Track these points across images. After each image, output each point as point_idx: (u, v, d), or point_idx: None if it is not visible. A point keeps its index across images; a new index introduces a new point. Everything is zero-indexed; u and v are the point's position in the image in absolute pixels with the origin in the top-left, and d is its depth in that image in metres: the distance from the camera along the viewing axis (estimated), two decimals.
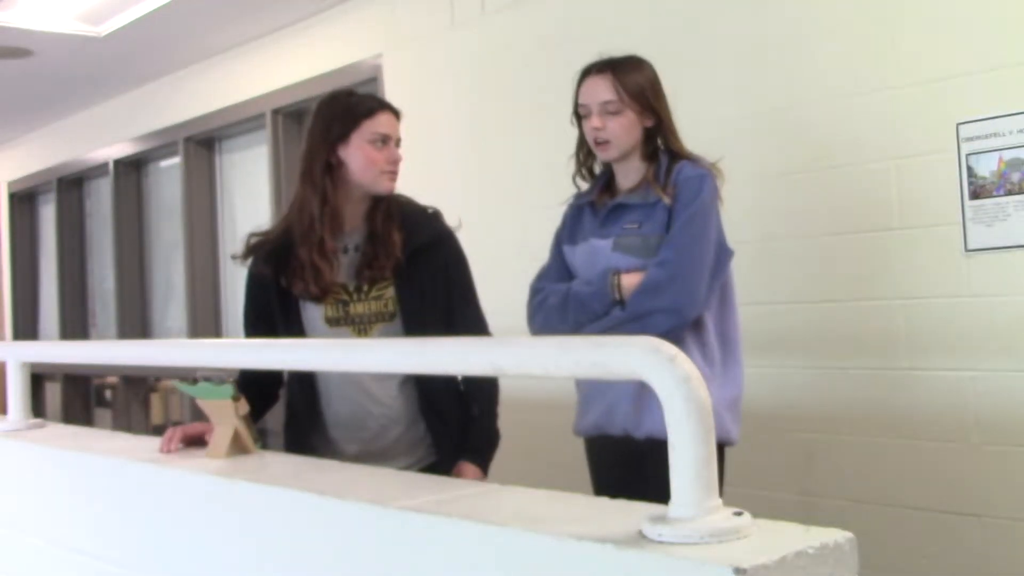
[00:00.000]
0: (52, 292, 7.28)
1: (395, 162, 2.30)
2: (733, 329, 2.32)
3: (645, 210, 2.28)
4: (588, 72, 2.35)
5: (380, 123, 2.28)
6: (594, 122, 2.31)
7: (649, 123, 2.32)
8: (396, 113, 2.34)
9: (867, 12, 2.85)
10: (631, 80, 2.30)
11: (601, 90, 2.31)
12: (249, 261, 2.36)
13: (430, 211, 2.38)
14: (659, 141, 2.34)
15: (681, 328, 2.18)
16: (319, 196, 2.26)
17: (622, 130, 2.30)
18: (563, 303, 2.30)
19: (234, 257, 2.39)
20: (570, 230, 2.43)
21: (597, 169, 2.45)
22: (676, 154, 2.31)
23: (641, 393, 2.17)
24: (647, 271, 2.21)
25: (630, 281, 2.21)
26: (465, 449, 2.27)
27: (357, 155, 2.26)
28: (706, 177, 2.25)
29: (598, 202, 2.38)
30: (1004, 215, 2.59)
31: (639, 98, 2.29)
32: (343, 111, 2.29)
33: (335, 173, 2.28)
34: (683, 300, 2.17)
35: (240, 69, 5.28)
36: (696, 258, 2.19)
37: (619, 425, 2.27)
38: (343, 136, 2.26)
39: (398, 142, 2.33)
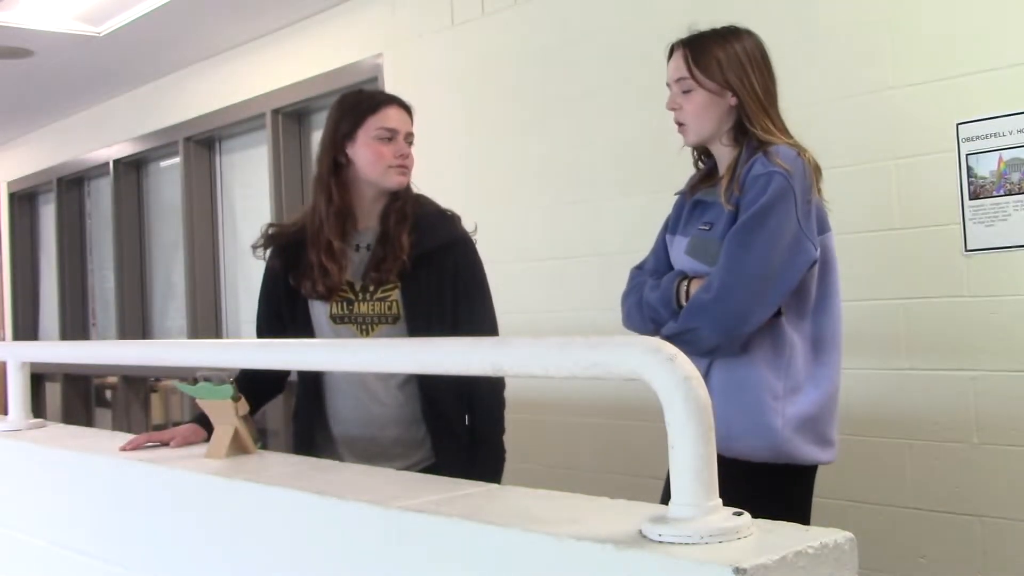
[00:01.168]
0: (52, 292, 7.28)
1: (403, 156, 2.27)
2: (832, 331, 2.12)
3: (719, 209, 2.07)
4: (672, 48, 2.17)
5: (386, 117, 2.26)
6: (668, 101, 2.15)
7: (734, 102, 2.09)
8: (406, 108, 2.31)
9: (867, 12, 2.85)
10: (706, 54, 2.09)
11: (675, 67, 2.14)
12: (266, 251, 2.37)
13: (448, 214, 2.34)
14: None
15: (733, 343, 2.01)
16: (325, 195, 2.26)
17: (697, 110, 2.11)
18: (639, 303, 2.18)
19: (254, 247, 2.38)
20: (674, 220, 2.23)
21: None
22: (760, 141, 2.06)
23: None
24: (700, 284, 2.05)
25: (693, 291, 2.06)
26: (473, 474, 2.22)
27: (363, 151, 2.25)
28: (775, 175, 1.99)
29: (688, 195, 2.21)
30: (1004, 215, 2.59)
31: (714, 75, 2.08)
32: (350, 108, 2.29)
33: (344, 172, 2.27)
34: (726, 319, 1.98)
35: (240, 69, 5.28)
36: (746, 270, 1.98)
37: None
38: (350, 134, 2.26)
39: (408, 137, 2.30)
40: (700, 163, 2.25)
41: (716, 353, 2.04)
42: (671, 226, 2.25)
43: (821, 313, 2.11)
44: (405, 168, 2.28)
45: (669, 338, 1.99)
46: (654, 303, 2.12)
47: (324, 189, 2.27)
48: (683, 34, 2.20)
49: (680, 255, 2.16)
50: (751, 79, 2.10)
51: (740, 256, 1.99)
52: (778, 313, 2.04)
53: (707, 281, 2.03)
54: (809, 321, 2.09)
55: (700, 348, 2.00)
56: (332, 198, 2.26)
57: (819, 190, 2.09)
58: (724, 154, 2.15)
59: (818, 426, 2.10)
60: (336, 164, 2.27)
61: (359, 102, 2.30)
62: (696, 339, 2.01)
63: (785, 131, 2.13)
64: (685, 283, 2.08)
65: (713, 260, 2.04)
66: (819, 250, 2.05)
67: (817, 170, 2.09)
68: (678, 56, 2.15)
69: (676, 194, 2.29)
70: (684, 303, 2.06)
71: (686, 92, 2.13)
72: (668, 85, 2.18)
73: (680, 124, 2.16)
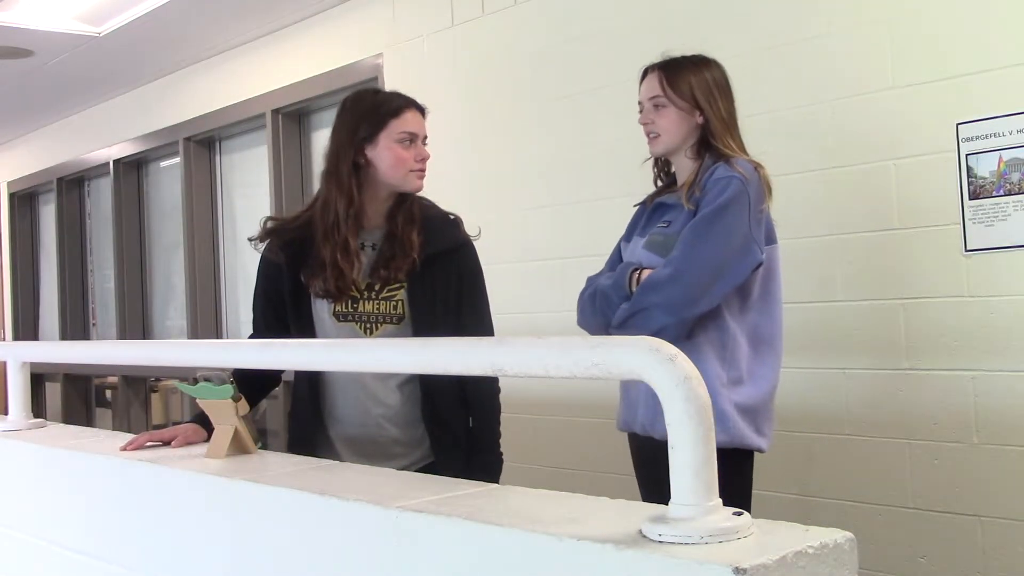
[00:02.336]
0: (52, 292, 7.28)
1: (424, 160, 2.29)
2: (770, 332, 2.30)
3: (679, 209, 2.30)
4: (646, 71, 2.41)
5: (407, 121, 2.27)
6: (641, 116, 2.39)
7: (700, 121, 2.33)
8: (422, 110, 2.33)
9: (867, 12, 2.85)
10: (679, 77, 2.34)
11: (649, 87, 2.37)
12: (263, 244, 2.35)
13: (452, 217, 2.37)
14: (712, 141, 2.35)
15: (680, 326, 2.18)
16: (345, 197, 2.25)
17: (669, 125, 2.34)
18: (592, 295, 2.35)
19: (251, 239, 2.37)
20: (630, 228, 2.47)
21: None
22: (722, 155, 2.30)
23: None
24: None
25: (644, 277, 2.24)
26: (472, 478, 2.20)
27: (385, 155, 2.25)
28: (735, 180, 2.22)
29: (649, 201, 2.44)
30: (1004, 215, 2.59)
31: (685, 95, 2.32)
32: (370, 110, 2.28)
33: (363, 173, 2.27)
34: (678, 298, 2.17)
35: (240, 69, 5.28)
36: (700, 258, 2.18)
37: (639, 423, 2.30)
38: (371, 136, 2.25)
39: (425, 139, 2.32)
40: (660, 179, 2.48)
41: (663, 334, 2.11)
42: (628, 233, 2.47)
43: (762, 314, 2.29)
44: (424, 172, 2.30)
45: (622, 323, 2.22)
46: (606, 289, 2.30)
47: (345, 190, 2.25)
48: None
49: (637, 250, 2.34)
50: (717, 103, 2.35)
51: (696, 244, 2.19)
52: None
53: (663, 264, 2.21)
54: (749, 318, 2.27)
55: (649, 327, 2.14)
56: (353, 199, 2.25)
57: (768, 205, 2.29)
58: (686, 166, 2.37)
59: (756, 419, 2.25)
60: (355, 166, 2.27)
61: (378, 104, 2.30)
62: (647, 318, 2.18)
63: (744, 150, 2.35)
64: (637, 272, 2.26)
65: (669, 253, 2.23)
66: (764, 255, 2.25)
67: (769, 187, 2.29)
68: (652, 77, 2.38)
69: (635, 205, 2.49)
70: (635, 289, 2.23)
71: (658, 108, 2.35)
72: (640, 103, 2.40)
73: (653, 136, 2.37)
